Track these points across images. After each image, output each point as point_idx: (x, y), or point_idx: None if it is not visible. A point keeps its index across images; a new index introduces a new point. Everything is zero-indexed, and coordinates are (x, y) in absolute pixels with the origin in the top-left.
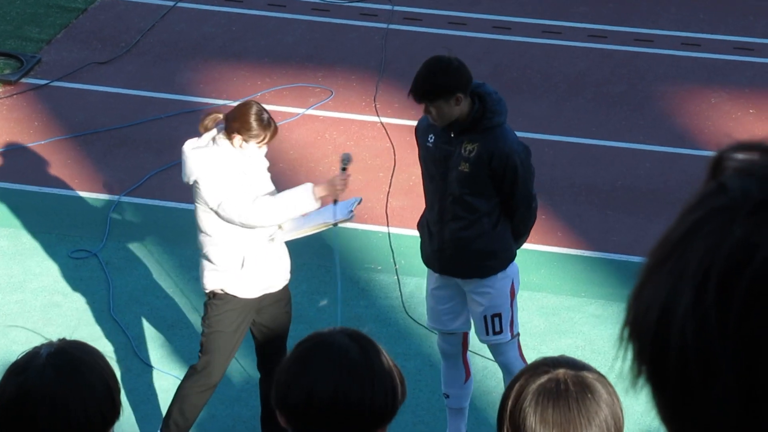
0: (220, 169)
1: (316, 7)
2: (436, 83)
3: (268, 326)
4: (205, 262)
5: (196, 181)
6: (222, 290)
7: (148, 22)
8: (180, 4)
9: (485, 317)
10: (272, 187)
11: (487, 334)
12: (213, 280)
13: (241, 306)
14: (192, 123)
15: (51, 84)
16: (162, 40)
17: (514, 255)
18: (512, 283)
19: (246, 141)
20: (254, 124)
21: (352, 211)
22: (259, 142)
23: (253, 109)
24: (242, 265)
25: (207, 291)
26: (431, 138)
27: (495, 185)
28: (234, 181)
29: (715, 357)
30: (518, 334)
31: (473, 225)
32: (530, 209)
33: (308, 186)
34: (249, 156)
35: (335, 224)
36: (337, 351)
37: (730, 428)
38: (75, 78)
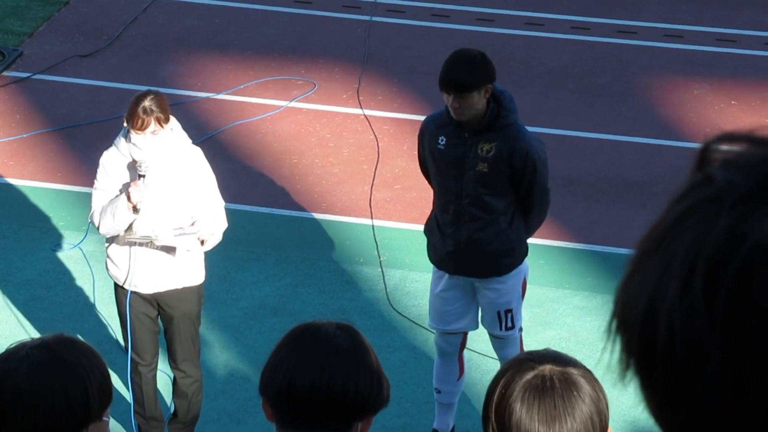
0: (109, 156)
1: None
2: (473, 74)
3: (167, 329)
4: None
5: None
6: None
7: (130, 15)
8: None
9: (498, 313)
10: (168, 190)
11: (500, 329)
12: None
13: (121, 290)
14: (174, 116)
15: (33, 77)
16: (144, 32)
17: (528, 250)
18: (524, 278)
19: (126, 125)
20: (132, 106)
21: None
22: (131, 127)
23: (142, 96)
24: (107, 250)
25: None
26: (442, 140)
27: (513, 183)
28: (108, 176)
29: (702, 346)
30: (521, 329)
31: (490, 225)
32: (545, 204)
33: (123, 196)
34: (134, 144)
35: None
36: (325, 338)
37: (717, 417)
38: (57, 71)
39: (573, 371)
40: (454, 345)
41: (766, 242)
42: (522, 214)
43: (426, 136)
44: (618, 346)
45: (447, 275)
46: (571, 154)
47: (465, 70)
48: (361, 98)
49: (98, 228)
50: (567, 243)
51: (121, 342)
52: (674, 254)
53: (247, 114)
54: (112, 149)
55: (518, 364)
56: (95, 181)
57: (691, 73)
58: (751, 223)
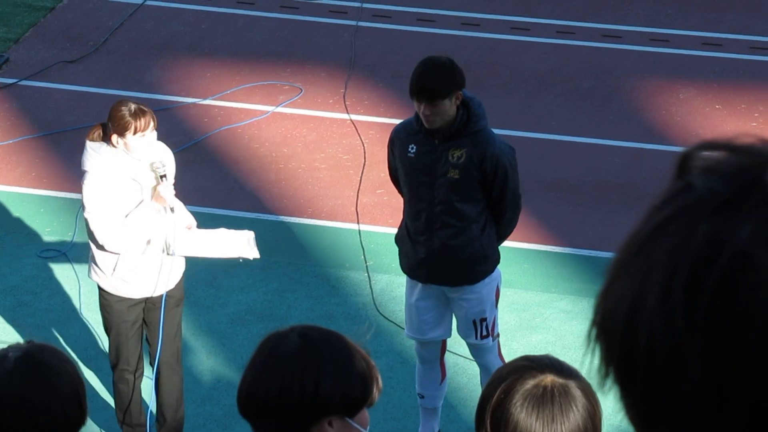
0: (102, 177)
1: (285, 5)
2: (445, 81)
3: (156, 324)
4: (90, 254)
5: (84, 171)
6: (100, 286)
7: (116, 21)
8: (148, 2)
9: (474, 321)
10: (171, 178)
11: (476, 337)
12: (93, 274)
13: (122, 302)
14: (160, 122)
15: (19, 83)
16: (131, 38)
17: (500, 257)
18: (497, 286)
19: (122, 136)
20: (122, 115)
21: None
22: (135, 133)
23: (121, 104)
24: (114, 270)
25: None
26: (412, 148)
27: (484, 189)
28: (110, 197)
29: (682, 353)
30: (498, 335)
31: (463, 232)
32: (517, 210)
33: (145, 204)
34: (134, 153)
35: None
36: (273, 347)
37: (698, 424)
38: (43, 77)
39: (573, 384)
40: (433, 353)
41: (746, 249)
42: (494, 222)
43: (396, 145)
44: (598, 354)
45: (420, 284)
46: (557, 158)
47: (436, 78)
48: (347, 103)
49: (122, 248)
50: (553, 247)
51: (106, 349)
52: (655, 261)
53: (233, 119)
54: (98, 169)
55: (519, 370)
56: (91, 205)
57: (677, 76)
58: (731, 230)
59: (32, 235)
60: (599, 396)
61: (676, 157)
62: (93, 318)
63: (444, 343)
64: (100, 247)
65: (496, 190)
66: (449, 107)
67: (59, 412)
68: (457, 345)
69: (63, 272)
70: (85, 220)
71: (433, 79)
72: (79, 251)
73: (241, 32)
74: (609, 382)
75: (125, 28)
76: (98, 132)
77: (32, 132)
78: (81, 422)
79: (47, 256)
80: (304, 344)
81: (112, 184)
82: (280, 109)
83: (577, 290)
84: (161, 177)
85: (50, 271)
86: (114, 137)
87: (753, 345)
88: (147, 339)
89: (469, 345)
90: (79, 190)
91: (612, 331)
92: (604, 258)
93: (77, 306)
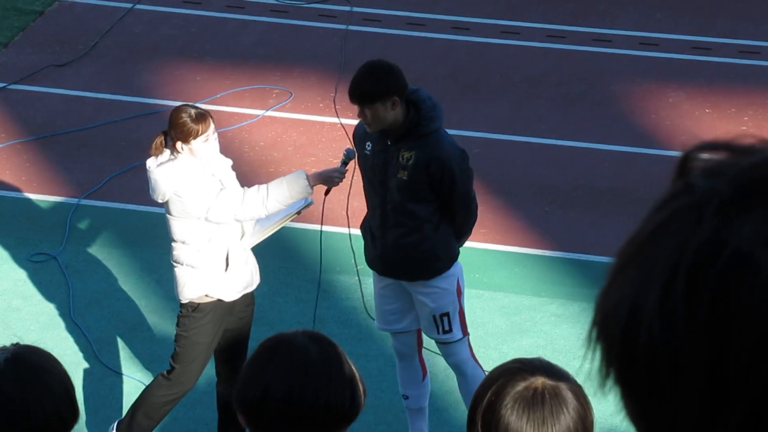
0: (193, 177)
1: (274, 9)
2: (375, 85)
3: (234, 329)
4: (183, 272)
5: (173, 195)
6: (206, 295)
7: (106, 25)
8: (138, 6)
9: (434, 317)
10: (238, 185)
11: (438, 332)
12: (195, 287)
13: (221, 312)
14: (151, 125)
15: (9, 87)
16: (120, 42)
17: (457, 254)
18: (457, 281)
19: (187, 143)
20: (184, 122)
21: (308, 200)
22: (198, 138)
23: (180, 111)
24: (227, 265)
25: (185, 302)
26: (368, 146)
27: (434, 191)
28: (210, 184)
29: (683, 352)
30: (468, 334)
31: (415, 231)
32: (470, 211)
33: (301, 173)
34: (202, 157)
35: (298, 213)
36: (296, 351)
37: (698, 424)
38: (33, 81)
39: (564, 386)
40: (409, 345)
41: (747, 248)
42: (450, 221)
43: (356, 141)
44: (598, 355)
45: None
46: (547, 162)
47: (366, 82)
48: (337, 107)
49: (260, 209)
50: (543, 251)
51: (98, 354)
52: (655, 261)
53: (223, 123)
54: (191, 166)
55: (511, 372)
56: (202, 201)
57: (667, 81)
58: (731, 229)
59: (22, 239)
60: (597, 398)
61: (677, 158)
62: (84, 322)
63: (419, 335)
64: (210, 243)
65: (445, 193)
66: (383, 111)
67: (53, 412)
68: None
69: (54, 276)
70: (203, 221)
71: (363, 82)
72: (70, 255)
73: (231, 36)
74: (609, 382)
75: (115, 32)
76: (161, 140)
77: (22, 136)
78: (74, 421)
79: (38, 260)
80: (332, 352)
81: (202, 177)
82: (270, 113)
83: (567, 294)
84: (343, 164)
85: (41, 275)
86: (178, 144)
87: (753, 345)
88: (219, 342)
89: (437, 344)
90: (70, 194)
91: (612, 331)
92: (594, 262)
93: (68, 310)
